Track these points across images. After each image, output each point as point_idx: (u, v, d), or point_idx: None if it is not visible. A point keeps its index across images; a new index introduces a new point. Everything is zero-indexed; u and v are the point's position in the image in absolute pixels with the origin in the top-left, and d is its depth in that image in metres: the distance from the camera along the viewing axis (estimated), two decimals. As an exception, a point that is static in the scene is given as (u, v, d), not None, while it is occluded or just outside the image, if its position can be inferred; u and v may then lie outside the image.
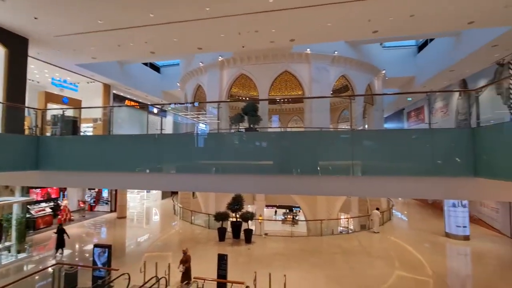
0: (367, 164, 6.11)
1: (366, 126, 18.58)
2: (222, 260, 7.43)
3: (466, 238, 13.23)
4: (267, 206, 26.95)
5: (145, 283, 7.59)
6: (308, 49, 14.45)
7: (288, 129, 22.89)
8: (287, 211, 30.14)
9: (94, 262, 8.34)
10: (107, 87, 19.06)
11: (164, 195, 26.44)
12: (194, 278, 7.30)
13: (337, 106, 23.01)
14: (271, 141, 6.69)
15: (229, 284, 7.23)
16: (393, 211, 18.55)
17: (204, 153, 7.06)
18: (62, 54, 12.70)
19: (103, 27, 9.57)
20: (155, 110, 26.23)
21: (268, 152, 6.69)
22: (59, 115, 7.89)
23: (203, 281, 7.13)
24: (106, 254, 8.21)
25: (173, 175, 7.00)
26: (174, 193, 25.32)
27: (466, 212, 13.45)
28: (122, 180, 7.53)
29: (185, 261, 8.15)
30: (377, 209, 15.53)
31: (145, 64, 21.93)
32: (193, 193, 21.36)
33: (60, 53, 12.56)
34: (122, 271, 7.99)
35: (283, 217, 27.62)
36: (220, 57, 15.59)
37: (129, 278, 7.81)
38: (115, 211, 19.24)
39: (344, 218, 16.58)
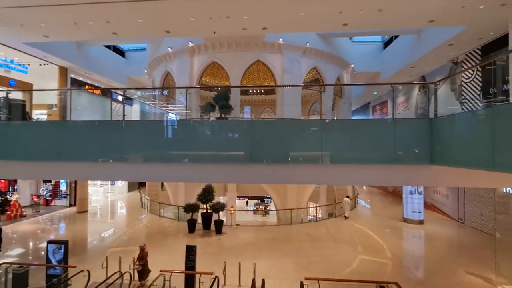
0: (335, 153, 6.26)
1: (335, 118, 19.22)
2: (190, 252, 7.23)
3: (421, 222, 14.44)
4: (239, 197, 26.99)
5: (107, 278, 7.15)
6: (281, 39, 14.39)
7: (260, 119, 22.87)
8: (259, 201, 30.52)
9: (48, 260, 7.66)
10: (63, 71, 17.35)
11: (131, 188, 25.21)
12: (160, 271, 7.02)
13: (308, 98, 23.47)
14: (242, 130, 6.56)
15: (197, 276, 7.08)
16: (358, 199, 19.61)
17: (172, 141, 6.73)
18: (7, 30, 11.20)
19: (54, 0, 8.55)
20: (120, 98, 24.59)
21: (239, 141, 6.56)
22: (2, 98, 6.96)
23: (170, 273, 6.90)
24: (61, 251, 7.57)
25: (140, 165, 6.60)
26: (141, 185, 24.26)
27: (421, 199, 14.63)
28: (82, 171, 6.94)
29: (141, 257, 7.75)
30: (347, 197, 16.76)
31: (108, 47, 20.31)
32: (162, 185, 20.62)
33: (4, 29, 11.07)
34: (83, 268, 7.45)
35: (255, 208, 27.90)
36: (190, 43, 14.91)
37: (89, 275, 7.32)
38: (74, 205, 17.90)
39: (313, 207, 17.15)
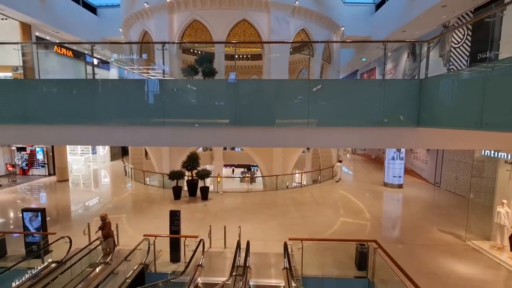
0: (322, 115, 6.05)
1: (323, 78, 18.82)
2: (174, 217, 7.16)
3: (400, 186, 15.09)
4: (225, 165, 27.07)
5: (89, 244, 7.05)
6: (268, -4, 13.28)
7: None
8: (245, 170, 30.86)
9: (25, 228, 7.38)
10: (26, 28, 15.51)
11: (114, 157, 24.57)
12: (144, 235, 6.96)
13: (296, 65, 22.71)
14: (226, 91, 6.15)
15: (183, 239, 7.09)
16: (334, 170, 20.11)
17: (152, 103, 6.26)
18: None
19: None
20: (96, 61, 22.79)
21: (223, 103, 6.19)
22: None
23: (154, 238, 6.85)
24: (39, 218, 7.29)
25: (117, 128, 6.16)
26: (125, 154, 23.67)
27: (402, 164, 15.13)
28: (52, 134, 6.39)
29: (103, 228, 7.34)
30: (340, 161, 17.81)
31: (76, 1, 18.19)
32: (146, 154, 20.14)
33: None
34: (71, 236, 7.27)
35: (241, 176, 28.22)
36: (168, -2, 13.50)
37: (70, 242, 7.17)
38: (54, 174, 17.27)
39: (298, 173, 17.46)
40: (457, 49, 13.77)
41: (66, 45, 18.77)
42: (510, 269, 6.99)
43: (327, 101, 6.06)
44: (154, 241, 6.86)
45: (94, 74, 6.38)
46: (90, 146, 23.40)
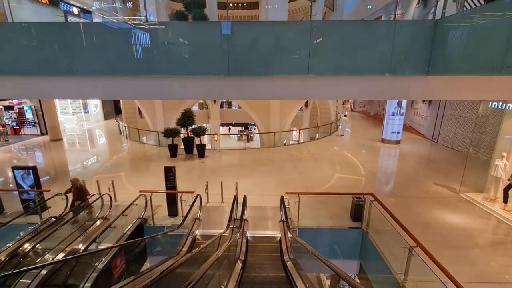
0: (324, 63, 5.51)
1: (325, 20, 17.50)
2: (169, 173, 7.04)
3: (398, 142, 15.03)
4: (222, 124, 26.73)
5: (90, 197, 7.04)
6: None
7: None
8: (242, 128, 30.63)
9: (18, 186, 7.28)
10: (-11, -32, 13.60)
11: (107, 116, 23.97)
12: (140, 191, 6.92)
13: (296, 14, 20.90)
14: (219, 35, 5.47)
15: (179, 195, 7.07)
16: (339, 124, 19.84)
17: (137, 51, 5.64)
18: None
19: None
20: (75, 10, 20.77)
21: (216, 49, 5.56)
22: None
23: (150, 193, 6.81)
24: (31, 176, 7.14)
25: (100, 79, 5.62)
26: (118, 113, 23.02)
27: (402, 120, 14.85)
28: (23, 86, 5.86)
29: (76, 193, 6.96)
30: (345, 115, 18.43)
31: None
32: (139, 112, 19.58)
33: None
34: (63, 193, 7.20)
35: (239, 135, 28.12)
36: None
37: (67, 198, 7.13)
38: (46, 133, 16.89)
39: (296, 130, 17.24)
40: (474, -9, 12.46)
41: (39, -10, 16.77)
42: (500, 219, 7.19)
43: (330, 46, 5.46)
44: (150, 197, 6.84)
45: (66, 16, 5.60)
46: (81, 105, 22.65)
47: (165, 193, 7.12)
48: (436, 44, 5.17)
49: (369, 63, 5.47)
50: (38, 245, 5.51)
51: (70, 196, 7.04)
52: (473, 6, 13.08)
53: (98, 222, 6.83)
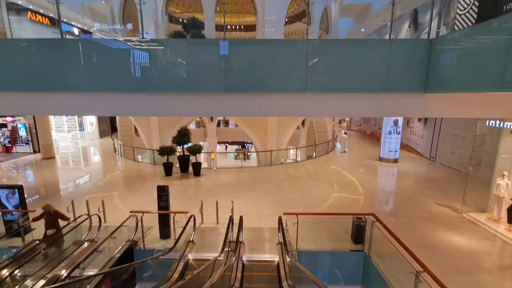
0: (321, 80, 5.49)
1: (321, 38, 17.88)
2: (162, 192, 6.75)
3: (395, 161, 14.94)
4: (219, 142, 26.61)
5: (74, 219, 6.66)
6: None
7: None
8: (239, 147, 30.49)
9: (2, 206, 6.91)
10: (-7, -10, 13.95)
11: (103, 134, 23.73)
12: (130, 212, 6.59)
13: (291, 36, 21.53)
14: (216, 52, 5.47)
15: (172, 215, 6.74)
16: (336, 142, 19.82)
17: (133, 67, 5.59)
18: None
19: None
20: (76, 31, 21.19)
21: (213, 66, 5.54)
22: None
23: (141, 214, 6.48)
24: (16, 195, 6.79)
25: (95, 95, 5.51)
26: (114, 131, 22.84)
27: (399, 138, 14.86)
28: (16, 102, 5.72)
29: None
30: (345, 133, 18.61)
31: (49, -39, 16.33)
32: (135, 130, 19.43)
33: None
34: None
35: (235, 153, 27.90)
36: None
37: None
38: (39, 151, 16.55)
39: (293, 148, 17.13)
40: (463, 16, 12.98)
41: (42, 11, 17.20)
42: (506, 240, 6.93)
43: (327, 63, 5.47)
44: (141, 218, 6.50)
45: (62, 33, 5.58)
46: (77, 123, 22.49)
47: (157, 214, 6.79)
48: (431, 62, 5.20)
49: (366, 81, 5.45)
50: (17, 270, 5.10)
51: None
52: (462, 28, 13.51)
53: (85, 245, 6.43)
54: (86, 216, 7.01)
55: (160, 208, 6.78)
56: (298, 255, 6.23)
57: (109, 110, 6.16)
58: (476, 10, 12.62)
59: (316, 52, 5.51)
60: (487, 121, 7.88)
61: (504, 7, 11.05)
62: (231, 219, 6.74)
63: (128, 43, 5.34)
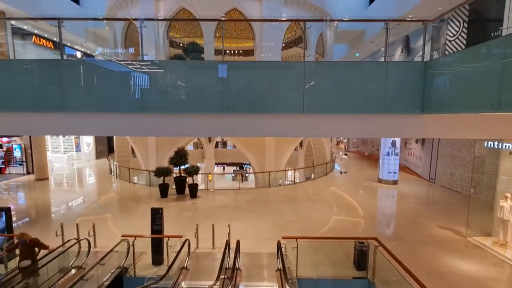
0: (319, 101, 5.52)
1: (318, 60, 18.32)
2: (156, 215, 6.49)
3: (395, 182, 14.76)
4: (217, 164, 26.40)
5: (60, 246, 6.31)
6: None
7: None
8: (237, 168, 30.22)
9: (-12, 229, 6.58)
10: None
11: (99, 155, 23.51)
12: (122, 236, 6.28)
13: (289, 60, 22.22)
14: (214, 73, 5.54)
15: (166, 240, 6.43)
16: (334, 164, 19.73)
17: (130, 87, 5.62)
18: None
19: None
20: (79, 54, 21.73)
21: (211, 87, 5.58)
22: None
23: (133, 238, 6.17)
24: (3, 219, 6.49)
25: (90, 115, 5.48)
26: (111, 152, 22.65)
27: (397, 160, 14.80)
28: (11, 121, 5.65)
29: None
30: (345, 154, 19.18)
31: (56, -12, 17.14)
32: (133, 151, 19.27)
33: None
34: (44, 238, 6.47)
35: (233, 174, 27.63)
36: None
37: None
38: (32, 172, 16.23)
39: (291, 169, 16.94)
40: (452, 42, 13.51)
41: (46, 36, 17.73)
42: (514, 266, 6.63)
43: (324, 85, 5.52)
44: (133, 242, 6.18)
45: (62, 54, 5.66)
46: (73, 143, 22.34)
47: (150, 238, 6.47)
48: (427, 84, 5.26)
49: (362, 102, 5.48)
50: (-5, 302, 4.73)
51: (50, 241, 6.31)
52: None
53: (72, 272, 6.06)
54: (75, 241, 6.66)
55: (153, 231, 6.48)
56: (298, 282, 5.88)
57: (106, 130, 6.10)
58: (465, 36, 13.11)
59: (313, 74, 5.59)
60: (485, 142, 7.88)
61: (493, 34, 11.46)
62: (227, 244, 6.44)
63: (127, 64, 5.40)
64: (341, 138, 37.03)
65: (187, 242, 6.38)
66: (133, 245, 6.18)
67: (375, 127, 5.65)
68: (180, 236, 6.50)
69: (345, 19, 18.73)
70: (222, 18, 12.26)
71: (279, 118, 5.59)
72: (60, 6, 17.45)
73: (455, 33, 13.57)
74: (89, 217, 9.84)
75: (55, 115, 5.48)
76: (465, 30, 12.88)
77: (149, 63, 5.60)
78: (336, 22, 17.07)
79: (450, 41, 14.30)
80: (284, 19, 14.11)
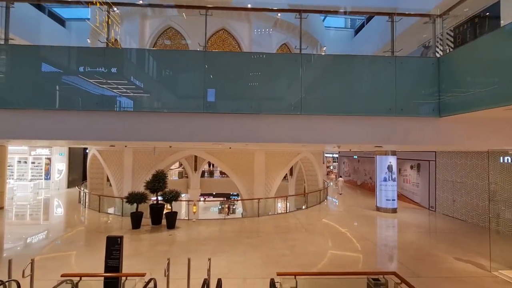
0: (319, 99, 4.66)
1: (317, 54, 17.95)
2: (113, 245, 4.99)
3: (394, 211, 13.66)
4: (202, 194, 24.59)
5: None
6: (249, 5, 12.64)
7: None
8: (224, 199, 28.33)
9: None
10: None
11: (72, 183, 21.33)
12: (62, 275, 4.70)
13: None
14: (196, 65, 4.65)
15: (123, 280, 4.88)
16: (330, 183, 18.61)
17: (87, 78, 4.68)
18: None
19: None
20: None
21: (191, 81, 4.67)
22: None
23: (78, 278, 4.61)
24: None
25: (36, 113, 4.39)
26: (85, 180, 20.65)
27: (395, 186, 13.89)
28: None
29: None
30: (340, 176, 18.93)
31: (41, 9, 16.74)
32: (108, 179, 17.51)
33: None
34: None
35: (220, 207, 25.61)
36: (141, 0, 12.45)
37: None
38: (-15, 201, 14.08)
39: (283, 196, 15.57)
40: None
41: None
42: (559, 307, 5.42)
43: (325, 81, 4.71)
44: (77, 284, 4.60)
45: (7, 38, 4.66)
46: (43, 170, 20.30)
47: (102, 278, 4.91)
48: (442, 82, 4.54)
49: (370, 101, 4.66)
50: None
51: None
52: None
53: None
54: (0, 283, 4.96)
55: (107, 269, 4.94)
56: (299, 338, 4.41)
57: (49, 133, 4.83)
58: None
59: (312, 69, 4.80)
60: (501, 158, 7.12)
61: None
62: (206, 284, 4.95)
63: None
64: (331, 168, 36.30)
65: (152, 282, 4.84)
66: (76, 286, 4.58)
67: (386, 133, 4.75)
68: (143, 275, 4.96)
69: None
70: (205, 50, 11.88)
71: (272, 119, 4.62)
72: (46, 27, 16.88)
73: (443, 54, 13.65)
74: (43, 256, 8.00)
75: None
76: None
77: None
78: (324, 48, 17.25)
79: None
80: (278, 13, 13.09)
